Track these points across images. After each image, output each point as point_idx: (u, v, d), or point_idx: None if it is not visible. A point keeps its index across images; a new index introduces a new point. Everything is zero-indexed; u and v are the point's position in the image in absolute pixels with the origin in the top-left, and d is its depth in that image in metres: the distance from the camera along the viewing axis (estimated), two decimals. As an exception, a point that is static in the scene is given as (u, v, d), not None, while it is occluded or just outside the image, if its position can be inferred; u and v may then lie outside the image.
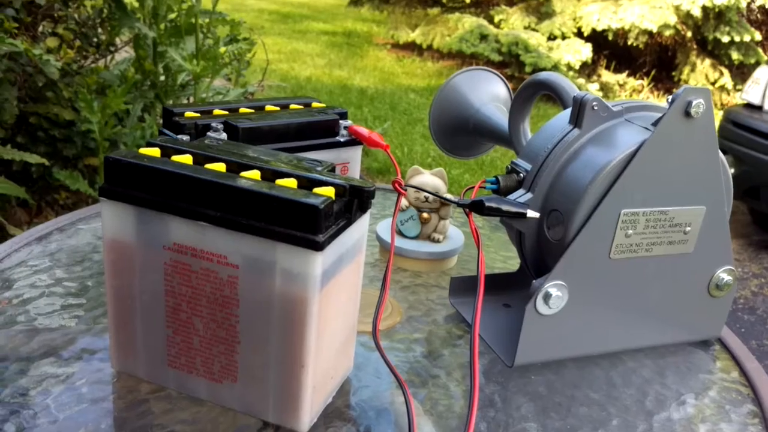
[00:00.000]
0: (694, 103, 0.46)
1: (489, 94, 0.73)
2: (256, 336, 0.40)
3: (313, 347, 0.39)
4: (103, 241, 0.42)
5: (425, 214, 0.64)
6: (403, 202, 0.65)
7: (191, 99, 1.75)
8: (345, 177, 0.41)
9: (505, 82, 0.75)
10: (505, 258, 0.69)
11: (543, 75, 0.61)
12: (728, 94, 4.95)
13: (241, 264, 0.39)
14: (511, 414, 0.45)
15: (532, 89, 0.62)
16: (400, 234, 0.66)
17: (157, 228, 0.40)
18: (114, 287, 0.43)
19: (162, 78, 1.71)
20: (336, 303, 0.41)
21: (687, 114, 0.46)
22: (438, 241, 0.65)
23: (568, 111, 0.52)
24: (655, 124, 0.47)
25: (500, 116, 0.69)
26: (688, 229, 0.50)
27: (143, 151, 0.41)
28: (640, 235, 0.49)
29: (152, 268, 0.41)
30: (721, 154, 0.49)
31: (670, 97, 0.47)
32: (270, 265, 0.38)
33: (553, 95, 0.59)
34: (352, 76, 4.87)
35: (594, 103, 0.49)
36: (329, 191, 0.38)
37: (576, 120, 0.50)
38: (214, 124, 0.52)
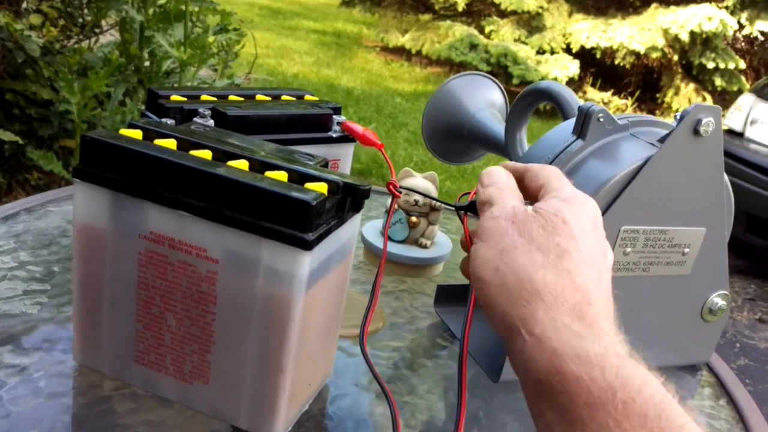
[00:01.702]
0: (704, 121, 0.44)
1: (485, 101, 0.71)
2: (233, 336, 0.38)
3: (293, 351, 0.37)
4: (73, 224, 0.39)
5: (414, 218, 0.62)
6: (392, 204, 0.62)
7: (176, 87, 1.71)
8: (339, 173, 0.39)
9: (501, 90, 0.73)
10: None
11: (544, 84, 0.59)
12: (710, 119, 5.01)
13: (222, 259, 0.36)
14: (495, 433, 0.43)
15: (531, 98, 0.60)
16: (387, 237, 0.63)
17: (133, 215, 0.37)
18: (82, 275, 0.40)
19: (147, 63, 1.67)
20: (321, 306, 0.39)
21: (696, 132, 0.45)
22: (425, 247, 0.63)
23: (569, 122, 0.50)
24: (662, 140, 0.45)
25: (496, 123, 0.67)
26: (686, 250, 0.48)
27: (124, 132, 0.39)
28: (639, 253, 0.47)
29: (125, 256, 0.38)
30: (725, 175, 0.48)
31: (679, 114, 0.45)
32: (253, 262, 0.36)
33: (554, 105, 0.58)
34: (339, 76, 4.84)
35: (600, 114, 0.47)
36: (322, 187, 0.36)
37: (580, 131, 0.48)
38: (201, 110, 0.49)
